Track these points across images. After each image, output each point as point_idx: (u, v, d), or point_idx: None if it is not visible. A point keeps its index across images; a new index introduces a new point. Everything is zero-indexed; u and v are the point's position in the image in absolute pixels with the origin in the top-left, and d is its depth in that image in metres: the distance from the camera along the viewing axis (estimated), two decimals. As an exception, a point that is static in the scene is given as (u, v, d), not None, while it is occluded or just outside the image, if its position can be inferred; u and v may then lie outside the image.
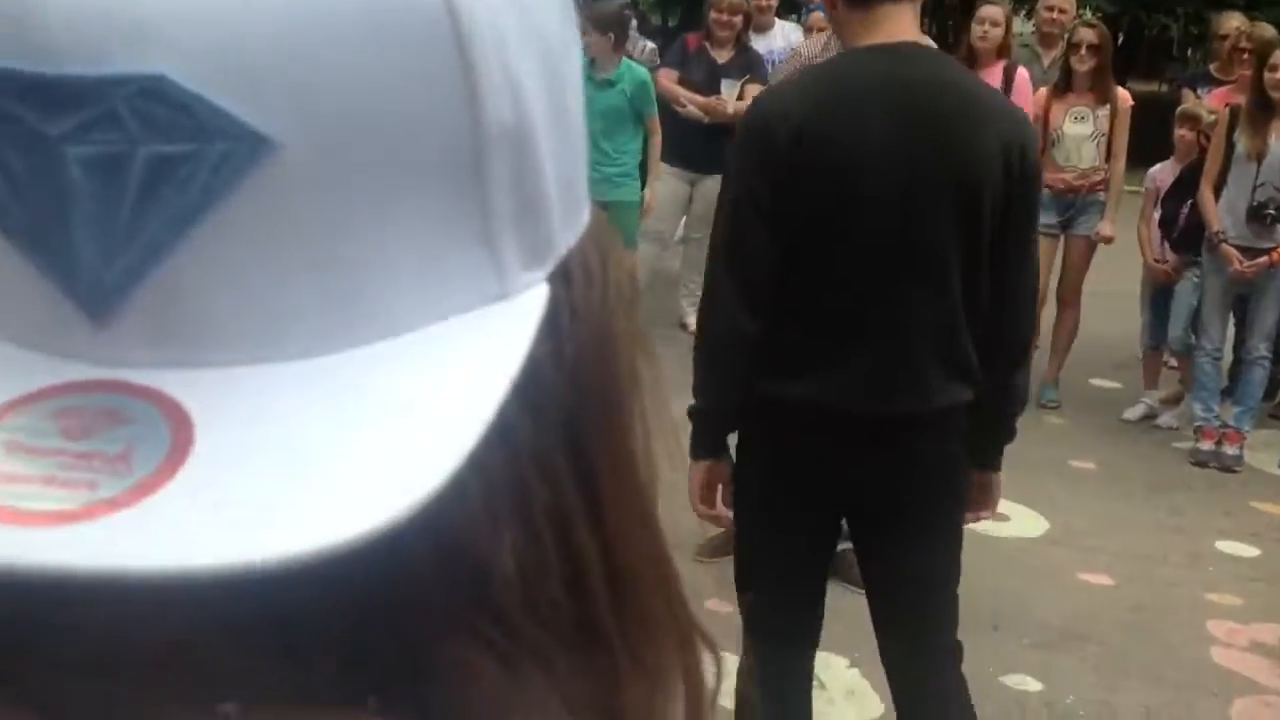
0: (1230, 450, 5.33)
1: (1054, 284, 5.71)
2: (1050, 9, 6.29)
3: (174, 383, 0.30)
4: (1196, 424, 5.45)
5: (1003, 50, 5.32)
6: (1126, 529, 4.57)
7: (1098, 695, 3.40)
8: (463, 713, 0.34)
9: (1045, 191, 5.03)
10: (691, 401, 2.21)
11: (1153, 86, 16.33)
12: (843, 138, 2.08)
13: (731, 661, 2.51)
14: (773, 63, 6.05)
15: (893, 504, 2.27)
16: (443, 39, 0.31)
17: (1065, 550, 4.35)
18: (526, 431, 0.34)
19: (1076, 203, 5.79)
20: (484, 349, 0.32)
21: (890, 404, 2.17)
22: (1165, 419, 5.80)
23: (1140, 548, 4.41)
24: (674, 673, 0.40)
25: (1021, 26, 8.54)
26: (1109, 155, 5.71)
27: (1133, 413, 5.84)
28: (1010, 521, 4.36)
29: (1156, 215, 5.68)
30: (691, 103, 6.13)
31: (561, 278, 0.35)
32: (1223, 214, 5.24)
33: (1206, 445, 5.36)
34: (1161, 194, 5.67)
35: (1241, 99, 5.34)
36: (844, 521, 2.43)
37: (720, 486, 2.32)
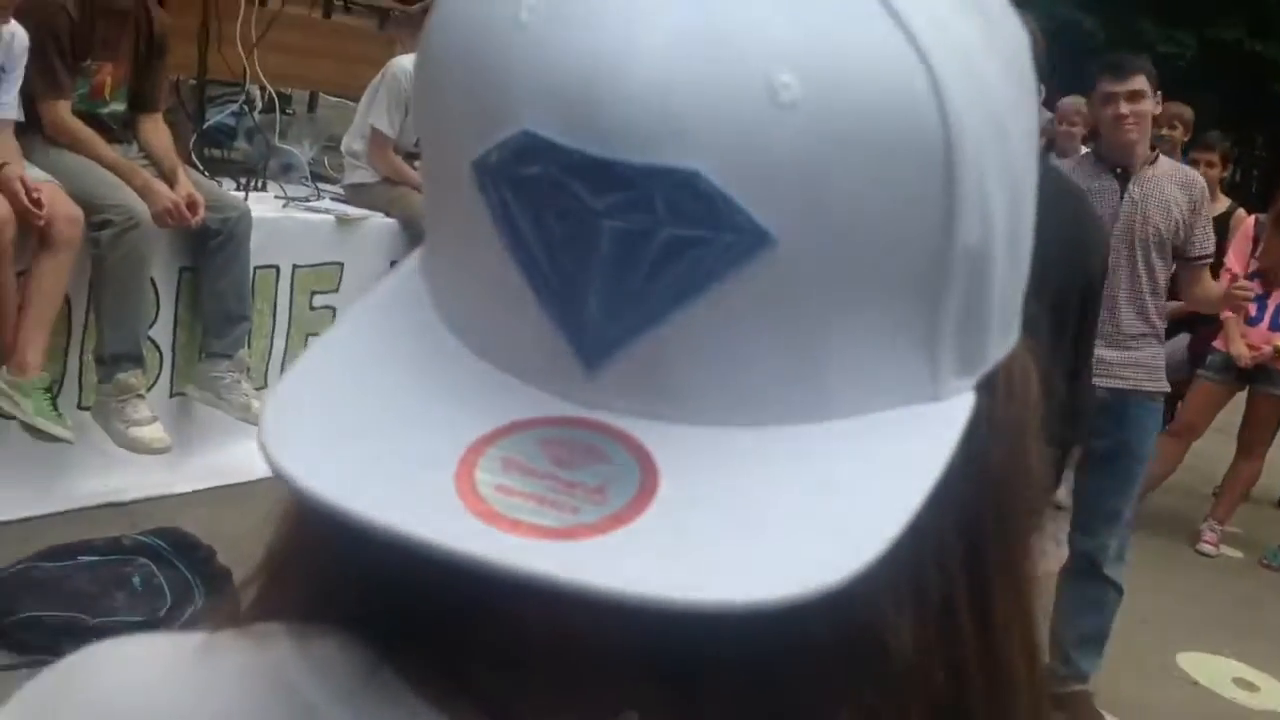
0: None
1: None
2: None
3: (645, 431, 0.34)
4: None
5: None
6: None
7: None
8: None
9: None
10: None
11: None
12: None
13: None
14: None
15: None
16: (936, 167, 0.34)
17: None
18: (930, 518, 0.36)
19: None
20: (915, 444, 0.35)
21: None
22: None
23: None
24: None
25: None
26: None
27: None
28: (1260, 692, 4.07)
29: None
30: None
31: (986, 388, 0.38)
32: None
33: None
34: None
35: None
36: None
37: None
